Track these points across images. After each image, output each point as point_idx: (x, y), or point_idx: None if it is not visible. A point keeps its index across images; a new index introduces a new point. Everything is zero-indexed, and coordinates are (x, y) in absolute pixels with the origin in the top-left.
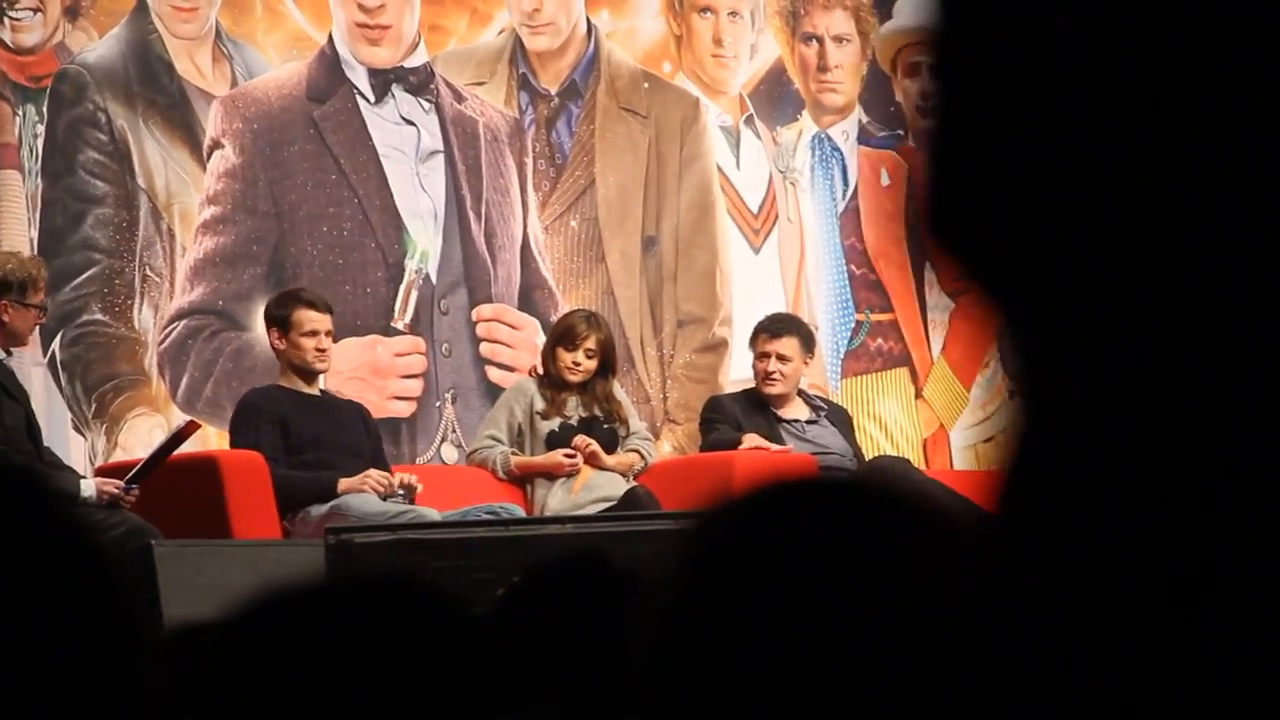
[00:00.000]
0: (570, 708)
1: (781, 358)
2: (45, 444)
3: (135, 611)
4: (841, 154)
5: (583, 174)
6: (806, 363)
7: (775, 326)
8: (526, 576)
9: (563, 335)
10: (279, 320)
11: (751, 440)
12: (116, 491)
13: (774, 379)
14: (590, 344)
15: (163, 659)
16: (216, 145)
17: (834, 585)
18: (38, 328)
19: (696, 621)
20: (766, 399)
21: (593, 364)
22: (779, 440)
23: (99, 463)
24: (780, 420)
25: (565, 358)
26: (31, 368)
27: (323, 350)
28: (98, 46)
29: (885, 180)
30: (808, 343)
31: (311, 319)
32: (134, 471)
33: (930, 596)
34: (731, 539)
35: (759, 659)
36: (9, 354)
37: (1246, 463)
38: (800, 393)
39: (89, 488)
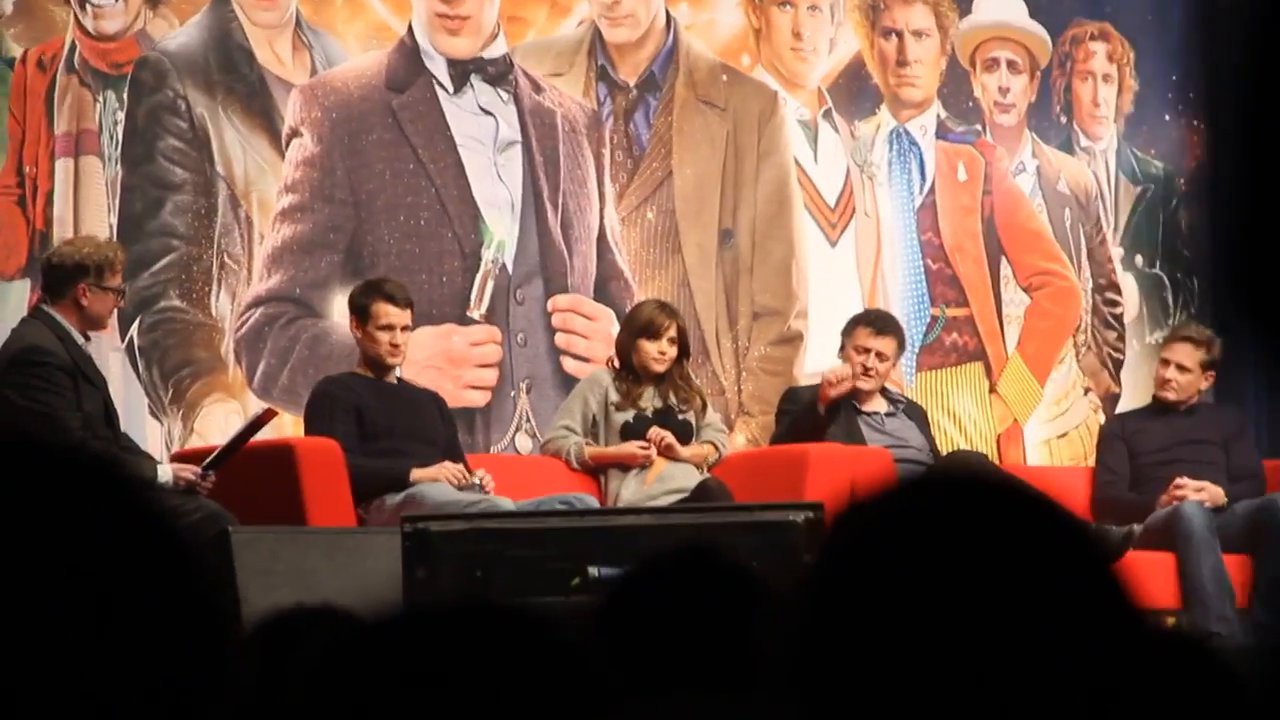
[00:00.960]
0: (689, 699)
1: (881, 355)
2: (123, 430)
3: (216, 598)
4: (919, 148)
5: (660, 166)
6: (895, 365)
7: (880, 324)
8: (638, 569)
9: (645, 327)
10: (359, 310)
11: (828, 374)
12: (193, 478)
13: (871, 375)
14: (672, 332)
15: (244, 645)
16: (295, 134)
17: (973, 580)
18: (115, 312)
19: (835, 616)
20: (849, 392)
21: (674, 351)
22: (858, 433)
23: (175, 448)
24: (859, 413)
25: (650, 349)
26: (109, 353)
27: (397, 345)
28: (178, 34)
29: (962, 175)
30: (903, 346)
31: (389, 313)
32: (211, 457)
33: (1063, 589)
34: (869, 535)
35: (898, 653)
36: (87, 339)
37: None
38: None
39: (165, 473)
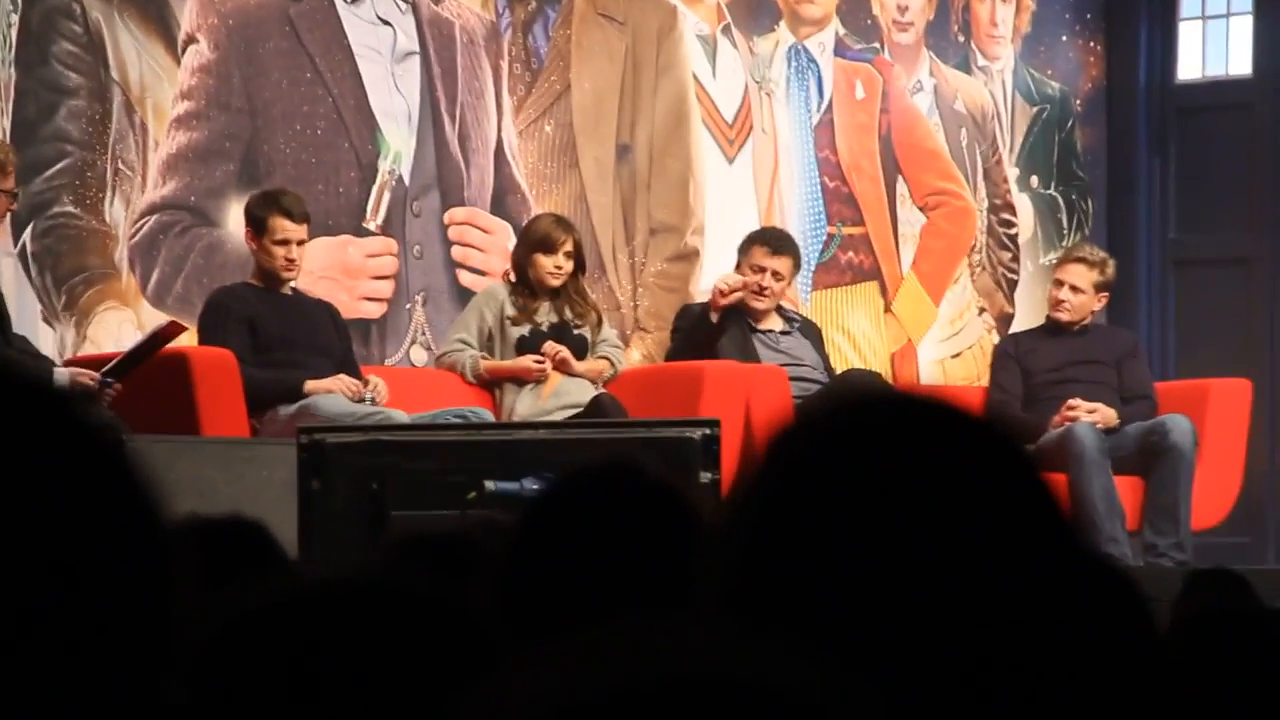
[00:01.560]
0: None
1: (776, 275)
2: (17, 333)
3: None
4: (818, 66)
5: (558, 79)
6: (790, 284)
7: (777, 243)
8: (558, 484)
9: (540, 241)
10: (255, 222)
11: (720, 282)
12: (90, 384)
13: (766, 295)
14: (569, 247)
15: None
16: (191, 40)
17: (923, 497)
18: (9, 216)
19: (779, 539)
20: (743, 309)
21: (569, 265)
22: (753, 351)
23: (68, 355)
24: (754, 331)
25: (545, 263)
26: (2, 258)
27: (292, 260)
28: None
29: (860, 93)
30: (799, 265)
31: (286, 228)
32: (110, 365)
33: (1004, 502)
34: (812, 455)
35: (847, 572)
36: None
37: None
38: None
39: (62, 376)
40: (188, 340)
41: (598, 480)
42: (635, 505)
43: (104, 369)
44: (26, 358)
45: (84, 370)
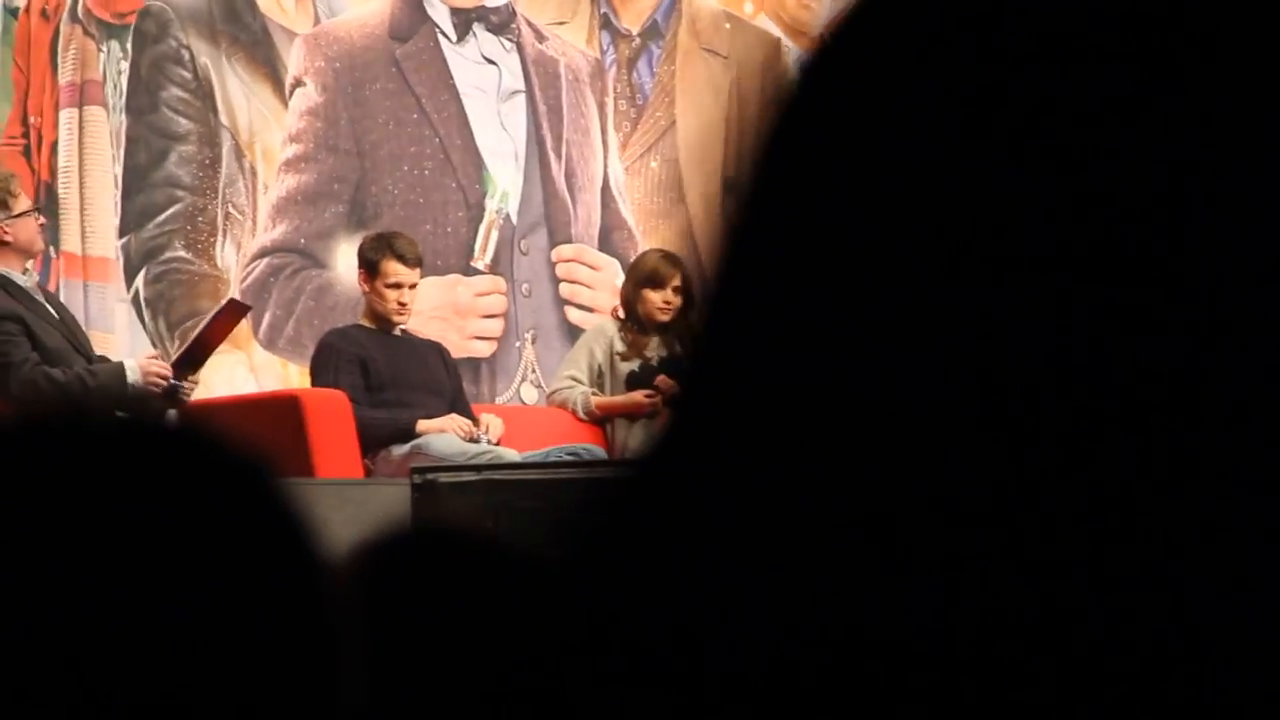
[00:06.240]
0: None
1: None
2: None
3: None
4: None
5: (663, 115)
6: None
7: None
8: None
9: (649, 277)
10: (369, 265)
11: None
12: (163, 373)
13: None
14: (677, 281)
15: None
16: (299, 83)
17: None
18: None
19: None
20: None
21: (679, 300)
22: None
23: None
24: None
25: (654, 298)
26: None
27: (404, 304)
28: None
29: None
30: None
31: (398, 272)
32: (179, 354)
33: None
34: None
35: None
36: (26, 273)
37: None
38: None
39: (134, 371)
40: (301, 381)
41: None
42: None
43: (174, 359)
44: (101, 366)
45: (154, 360)
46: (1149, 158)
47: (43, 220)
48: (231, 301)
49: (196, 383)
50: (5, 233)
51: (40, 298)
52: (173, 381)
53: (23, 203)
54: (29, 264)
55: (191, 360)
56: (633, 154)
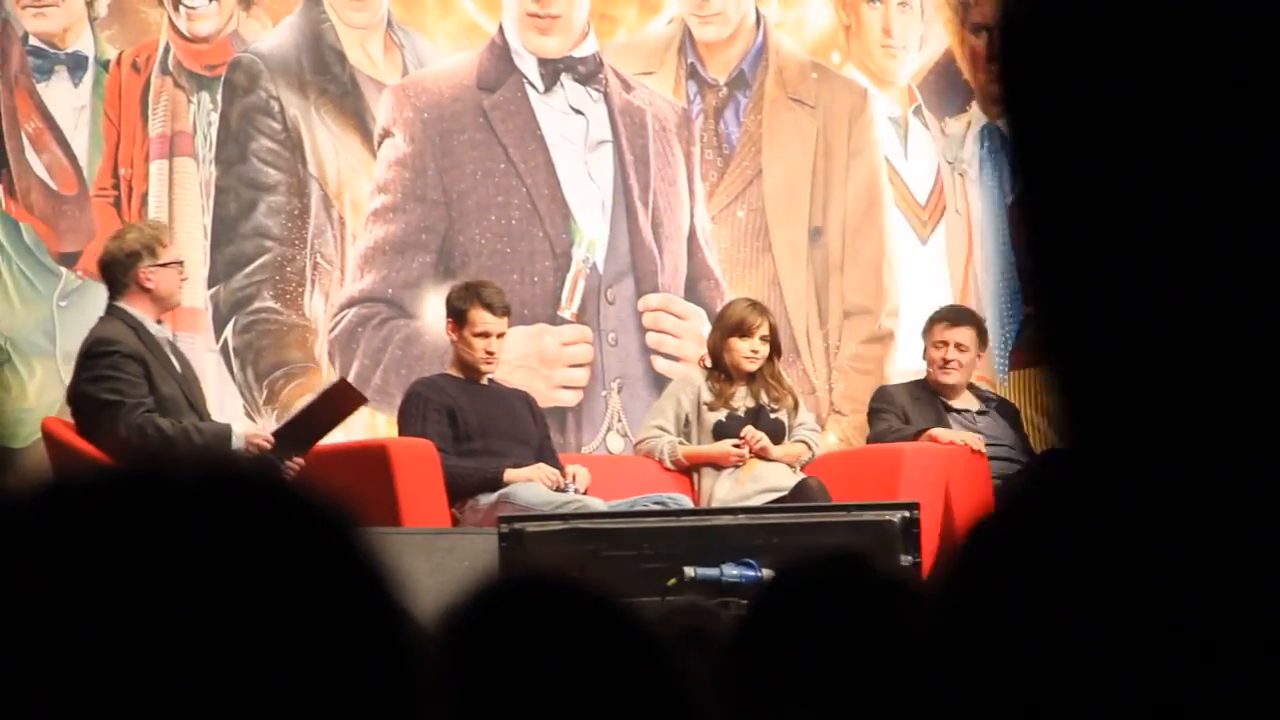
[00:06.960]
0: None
1: (959, 346)
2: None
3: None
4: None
5: (750, 164)
6: (980, 355)
7: (954, 315)
8: (782, 575)
9: (736, 326)
10: (457, 314)
11: (934, 433)
12: (265, 445)
13: (951, 367)
14: (764, 331)
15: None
16: (387, 134)
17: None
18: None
19: (980, 624)
20: (937, 388)
21: (765, 349)
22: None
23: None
24: (950, 410)
25: (741, 347)
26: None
27: (492, 353)
28: (271, 35)
29: None
30: (983, 335)
31: (487, 321)
32: (282, 425)
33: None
34: (1008, 549)
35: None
36: (160, 324)
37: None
38: (969, 385)
39: (239, 437)
40: (389, 431)
41: (823, 570)
42: (861, 596)
43: (276, 428)
44: (210, 425)
45: (259, 433)
46: None
47: (185, 276)
48: (342, 382)
49: (301, 464)
50: (148, 279)
51: (167, 350)
52: (273, 456)
53: (171, 254)
54: (164, 317)
55: (296, 440)
56: (719, 203)
